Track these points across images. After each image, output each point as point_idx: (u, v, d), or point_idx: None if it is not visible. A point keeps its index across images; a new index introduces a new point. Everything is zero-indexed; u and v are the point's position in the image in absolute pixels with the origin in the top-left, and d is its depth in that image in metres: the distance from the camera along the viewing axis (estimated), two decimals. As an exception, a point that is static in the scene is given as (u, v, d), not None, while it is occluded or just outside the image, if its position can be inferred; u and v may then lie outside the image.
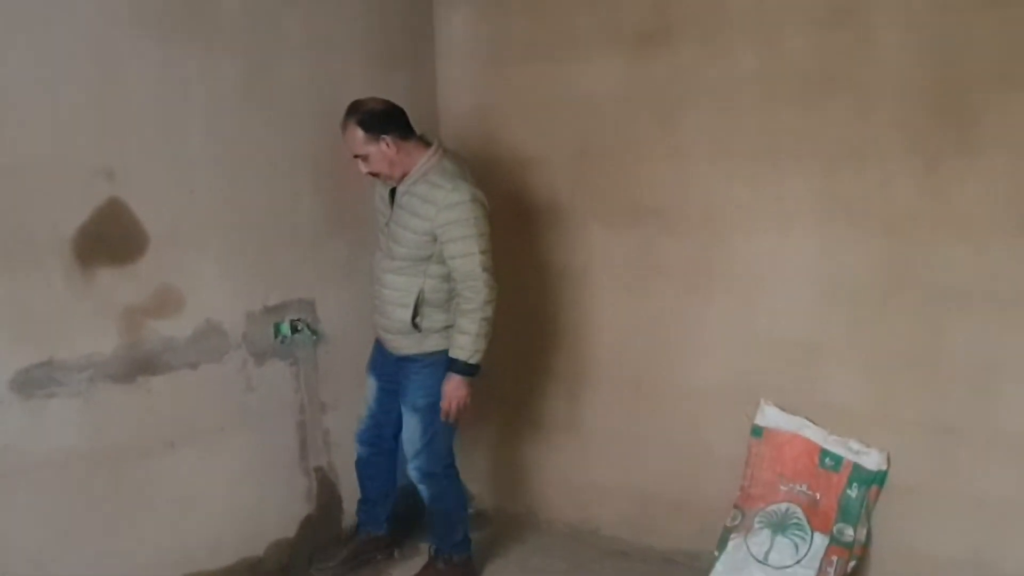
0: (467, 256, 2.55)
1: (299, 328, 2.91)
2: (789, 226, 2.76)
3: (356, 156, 2.62)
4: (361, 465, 2.99)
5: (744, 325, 2.88)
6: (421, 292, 2.63)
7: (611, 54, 3.01)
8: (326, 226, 3.00)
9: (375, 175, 2.66)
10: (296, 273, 2.92)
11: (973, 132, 2.43)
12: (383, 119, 2.58)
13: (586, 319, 3.23)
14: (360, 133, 2.58)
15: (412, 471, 2.79)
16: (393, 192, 2.68)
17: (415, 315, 2.64)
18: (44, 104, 2.25)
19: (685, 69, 2.87)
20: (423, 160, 2.61)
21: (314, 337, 2.96)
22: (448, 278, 2.63)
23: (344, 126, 2.60)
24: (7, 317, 2.22)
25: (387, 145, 2.58)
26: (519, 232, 3.25)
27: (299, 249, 2.92)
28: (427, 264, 2.62)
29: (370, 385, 2.92)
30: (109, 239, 2.41)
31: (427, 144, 2.65)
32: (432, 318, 2.66)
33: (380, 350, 2.87)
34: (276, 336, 2.86)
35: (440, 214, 2.55)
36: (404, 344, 2.73)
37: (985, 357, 2.49)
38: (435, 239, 2.59)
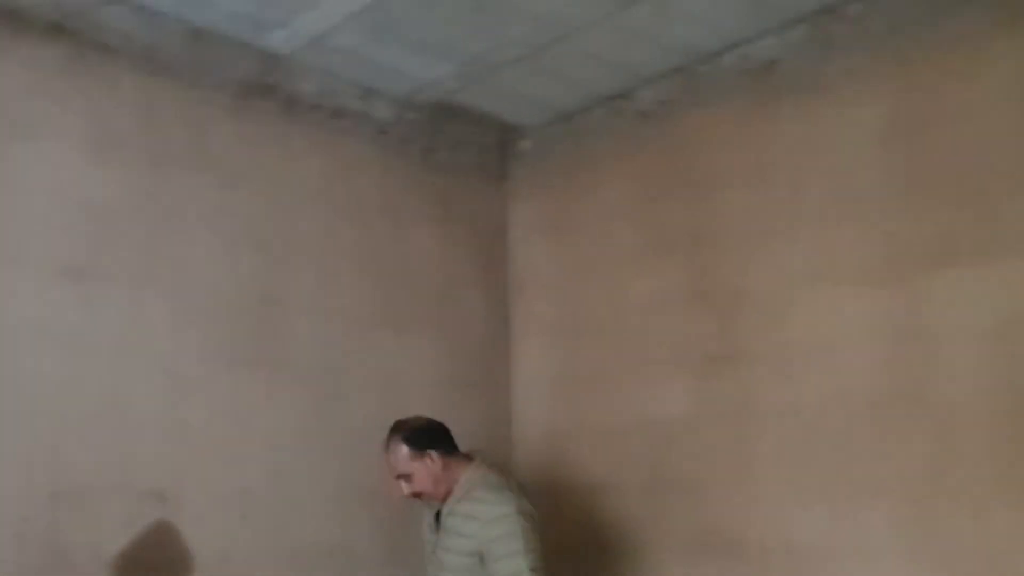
0: None
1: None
2: (873, 564, 2.44)
3: (399, 476, 2.58)
4: None
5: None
6: None
7: (679, 377, 2.98)
8: (383, 554, 2.92)
9: (418, 496, 2.59)
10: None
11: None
12: (428, 435, 2.56)
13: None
14: (405, 450, 2.54)
15: None
16: (439, 516, 2.61)
17: None
18: (110, 428, 2.41)
19: (753, 390, 2.79)
20: (466, 475, 2.54)
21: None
22: None
23: (387, 444, 2.58)
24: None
25: (431, 460, 2.53)
26: (589, 565, 3.04)
27: (353, 578, 2.84)
28: None
29: None
30: (152, 565, 2.43)
31: (469, 459, 2.61)
32: None
33: None
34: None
35: (484, 530, 2.40)
36: None
37: None
38: (482, 559, 2.41)
